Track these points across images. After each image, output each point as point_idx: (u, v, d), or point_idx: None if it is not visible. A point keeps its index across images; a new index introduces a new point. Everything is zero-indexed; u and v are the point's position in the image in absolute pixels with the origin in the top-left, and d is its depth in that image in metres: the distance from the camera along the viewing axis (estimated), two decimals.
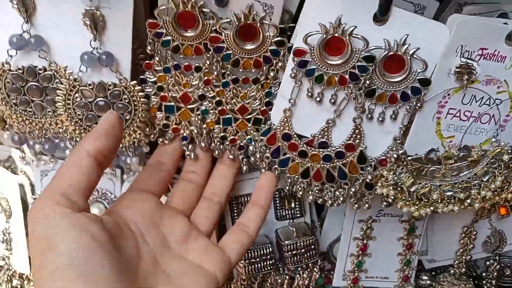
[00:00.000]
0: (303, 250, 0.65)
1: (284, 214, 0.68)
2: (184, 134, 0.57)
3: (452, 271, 0.72)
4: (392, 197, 0.55)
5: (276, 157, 0.54)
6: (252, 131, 0.56)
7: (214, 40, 0.50)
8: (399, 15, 0.48)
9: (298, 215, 0.68)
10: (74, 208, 0.42)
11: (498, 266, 0.73)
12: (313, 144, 0.53)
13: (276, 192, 0.67)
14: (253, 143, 0.56)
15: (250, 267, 0.64)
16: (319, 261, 0.67)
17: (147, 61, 0.53)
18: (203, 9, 0.48)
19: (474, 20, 0.48)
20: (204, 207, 0.56)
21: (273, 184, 0.55)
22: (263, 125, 0.55)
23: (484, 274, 0.74)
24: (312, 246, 0.66)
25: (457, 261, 0.72)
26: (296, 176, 0.55)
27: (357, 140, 0.53)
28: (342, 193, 0.56)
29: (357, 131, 0.52)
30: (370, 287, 0.72)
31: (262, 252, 0.64)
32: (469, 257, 0.71)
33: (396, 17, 0.48)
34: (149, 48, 0.51)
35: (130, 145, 0.58)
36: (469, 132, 0.55)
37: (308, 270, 0.67)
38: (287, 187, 0.57)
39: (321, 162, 0.54)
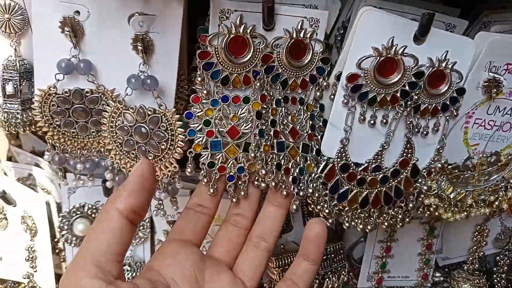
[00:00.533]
0: (332, 255, 0.68)
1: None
2: (231, 174, 0.53)
3: (465, 267, 0.76)
4: (435, 206, 0.58)
5: (334, 193, 0.54)
6: (301, 160, 0.54)
7: (266, 60, 0.51)
8: (435, 34, 0.51)
9: None
10: (108, 278, 0.39)
11: (508, 261, 0.78)
12: (368, 170, 0.54)
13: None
14: (305, 174, 0.54)
15: (283, 274, 0.66)
16: (347, 264, 0.70)
17: (194, 95, 0.53)
18: (254, 32, 0.50)
19: (504, 38, 0.52)
20: (251, 256, 0.51)
21: (325, 234, 0.50)
22: (312, 154, 0.55)
23: (494, 269, 0.79)
24: (341, 251, 0.69)
25: (470, 258, 0.76)
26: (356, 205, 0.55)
27: (409, 154, 0.55)
28: (399, 213, 0.57)
29: (408, 145, 0.54)
30: (392, 287, 0.75)
31: (294, 259, 0.67)
32: (482, 253, 0.76)
33: (433, 36, 0.51)
34: (199, 79, 0.51)
35: (163, 179, 0.56)
36: (492, 140, 0.59)
37: (338, 274, 0.70)
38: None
39: (379, 185, 0.55)
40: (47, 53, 0.51)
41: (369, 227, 0.57)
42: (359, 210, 0.56)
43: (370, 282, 0.73)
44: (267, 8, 0.49)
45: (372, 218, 0.57)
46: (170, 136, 0.53)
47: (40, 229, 0.71)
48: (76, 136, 0.56)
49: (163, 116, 0.53)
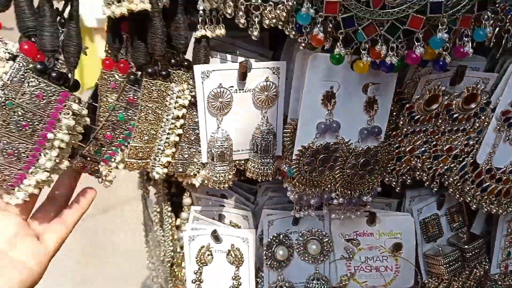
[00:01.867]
0: (478, 250, 0.88)
1: (454, 226, 0.91)
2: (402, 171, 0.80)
3: None
4: None
5: (479, 186, 0.79)
6: (450, 163, 0.80)
7: (447, 106, 0.74)
8: None
9: (462, 225, 0.91)
10: None
11: None
12: (506, 172, 0.79)
13: (447, 210, 0.90)
14: (449, 172, 0.80)
15: (449, 269, 0.86)
16: (486, 256, 0.91)
17: (393, 133, 0.76)
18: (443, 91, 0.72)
19: None
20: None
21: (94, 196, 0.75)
22: (458, 159, 0.79)
23: None
24: (483, 246, 0.89)
25: None
26: (492, 196, 0.80)
27: None
28: None
29: None
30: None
31: (455, 256, 0.87)
32: None
33: None
34: (401, 123, 0.74)
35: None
36: None
37: (481, 264, 0.90)
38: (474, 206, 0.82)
39: (510, 182, 0.79)
40: (309, 118, 0.69)
41: (500, 211, 0.82)
42: (494, 199, 0.80)
43: (499, 269, 0.94)
44: (460, 73, 0.71)
45: (502, 205, 0.82)
46: (382, 160, 0.74)
47: (246, 259, 0.86)
48: (314, 178, 0.73)
49: (380, 149, 0.73)
